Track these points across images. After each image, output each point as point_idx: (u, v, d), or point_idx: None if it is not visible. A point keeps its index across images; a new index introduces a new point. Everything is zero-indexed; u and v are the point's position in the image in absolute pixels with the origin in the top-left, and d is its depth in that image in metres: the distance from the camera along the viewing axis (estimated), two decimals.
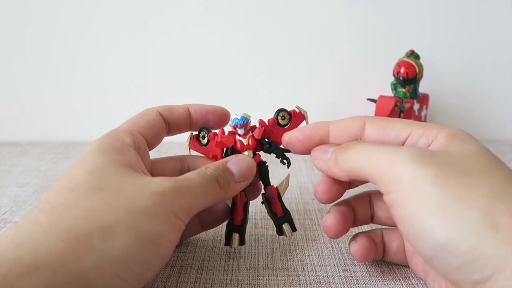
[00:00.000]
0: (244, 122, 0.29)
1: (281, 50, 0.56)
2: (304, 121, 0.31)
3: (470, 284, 0.19)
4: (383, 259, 0.29)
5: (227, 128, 0.31)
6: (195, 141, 0.32)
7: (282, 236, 0.34)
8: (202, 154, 0.32)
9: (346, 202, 0.29)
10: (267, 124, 0.30)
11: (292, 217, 0.31)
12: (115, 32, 0.55)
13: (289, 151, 0.30)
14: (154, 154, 0.30)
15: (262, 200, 0.31)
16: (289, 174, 0.32)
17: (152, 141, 0.29)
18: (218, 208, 0.31)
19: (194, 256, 0.31)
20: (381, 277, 0.29)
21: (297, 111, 0.31)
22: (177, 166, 0.31)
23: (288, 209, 0.31)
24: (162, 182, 0.23)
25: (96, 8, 0.54)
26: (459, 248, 0.19)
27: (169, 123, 0.30)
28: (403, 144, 0.25)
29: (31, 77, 0.57)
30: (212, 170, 0.26)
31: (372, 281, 0.28)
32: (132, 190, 0.22)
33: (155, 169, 0.30)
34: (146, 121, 0.29)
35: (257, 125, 0.30)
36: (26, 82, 0.58)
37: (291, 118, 0.30)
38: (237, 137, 0.30)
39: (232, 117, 0.30)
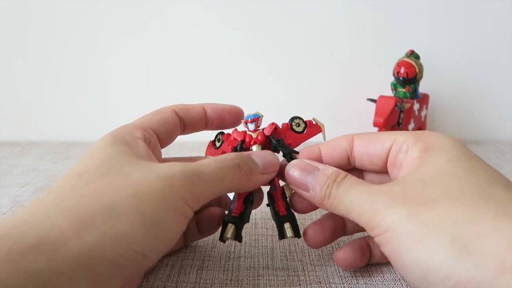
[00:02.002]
0: (255, 117, 0.30)
1: (281, 50, 0.56)
2: (321, 133, 0.31)
3: None
4: (369, 262, 0.29)
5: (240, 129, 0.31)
6: (211, 146, 0.32)
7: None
8: (215, 156, 0.32)
9: (363, 239, 0.29)
10: (280, 127, 0.31)
11: (297, 223, 0.30)
12: (115, 32, 0.55)
13: (297, 152, 0.29)
14: None
15: (267, 203, 0.30)
16: None
17: (164, 139, 0.29)
18: (215, 214, 0.30)
19: (194, 256, 0.31)
20: (381, 277, 0.29)
21: (314, 122, 0.31)
22: None
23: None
24: (172, 167, 0.23)
25: (96, 8, 0.54)
26: (436, 277, 0.20)
27: (185, 121, 0.30)
28: (388, 153, 0.27)
29: (31, 77, 0.57)
30: (233, 156, 0.26)
31: (372, 281, 0.28)
32: (141, 174, 0.22)
33: None
34: (160, 118, 0.29)
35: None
36: (26, 82, 0.58)
37: (306, 126, 0.31)
38: (247, 132, 0.30)
39: (246, 114, 0.30)
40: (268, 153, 0.28)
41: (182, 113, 0.30)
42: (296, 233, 0.28)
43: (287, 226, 0.28)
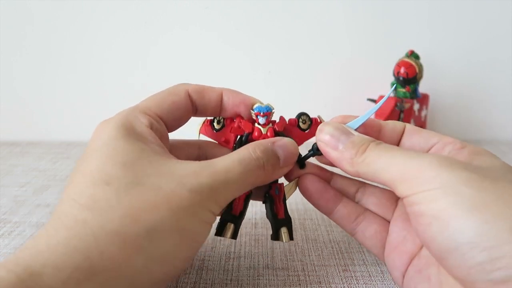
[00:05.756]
0: (268, 111, 0.28)
1: (281, 50, 0.56)
2: None
3: (490, 284, 0.18)
4: (353, 234, 0.28)
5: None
6: (208, 125, 0.30)
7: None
8: (213, 139, 0.31)
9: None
10: (287, 122, 0.30)
11: (292, 217, 0.30)
12: (115, 31, 0.55)
13: (307, 159, 0.29)
14: None
15: (263, 200, 0.30)
16: (298, 179, 0.30)
17: (173, 124, 0.28)
18: None
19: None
20: (381, 277, 0.29)
21: (319, 120, 0.31)
22: (194, 154, 0.30)
23: (289, 209, 0.30)
24: (198, 179, 0.22)
25: (96, 7, 0.54)
26: (486, 242, 0.18)
27: (197, 106, 0.28)
28: (430, 148, 0.25)
29: (31, 77, 0.57)
30: (260, 154, 0.25)
31: (372, 281, 0.28)
32: (170, 187, 0.22)
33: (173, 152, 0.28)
34: (171, 102, 0.27)
35: (277, 121, 0.30)
36: (25, 82, 0.58)
37: (311, 124, 0.30)
38: (256, 125, 0.29)
39: (256, 104, 0.29)
40: (290, 143, 0.27)
41: (196, 97, 0.28)
42: (291, 237, 0.28)
43: (284, 230, 0.28)
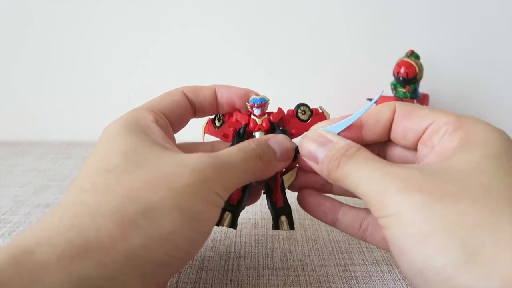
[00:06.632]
0: (262, 103, 0.29)
1: (281, 50, 0.56)
2: None
3: None
4: (364, 240, 0.28)
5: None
6: (210, 124, 0.31)
7: (282, 236, 0.34)
8: (215, 136, 0.31)
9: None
10: (285, 113, 0.30)
11: (292, 217, 0.30)
12: (115, 31, 0.55)
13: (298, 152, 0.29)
14: None
15: (264, 191, 0.29)
16: (297, 167, 0.30)
17: (176, 122, 0.28)
18: None
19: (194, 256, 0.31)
20: (381, 277, 0.29)
21: (320, 111, 0.30)
22: (208, 151, 0.31)
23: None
24: (201, 159, 0.23)
25: (96, 7, 0.54)
26: (435, 276, 0.18)
27: (194, 104, 0.29)
28: (424, 131, 0.25)
29: (31, 77, 0.57)
30: (255, 146, 0.26)
31: (372, 281, 0.28)
32: (171, 168, 0.22)
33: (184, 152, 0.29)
34: (170, 101, 0.28)
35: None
36: (25, 82, 0.58)
37: (312, 115, 0.30)
38: (252, 116, 0.29)
39: (251, 97, 0.29)
40: (285, 139, 0.27)
41: (191, 96, 0.29)
42: (291, 226, 0.28)
43: (283, 219, 0.28)
